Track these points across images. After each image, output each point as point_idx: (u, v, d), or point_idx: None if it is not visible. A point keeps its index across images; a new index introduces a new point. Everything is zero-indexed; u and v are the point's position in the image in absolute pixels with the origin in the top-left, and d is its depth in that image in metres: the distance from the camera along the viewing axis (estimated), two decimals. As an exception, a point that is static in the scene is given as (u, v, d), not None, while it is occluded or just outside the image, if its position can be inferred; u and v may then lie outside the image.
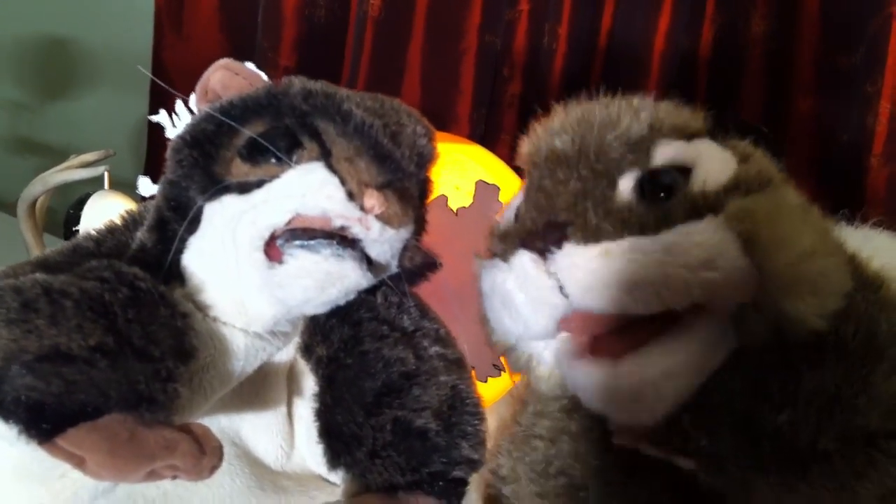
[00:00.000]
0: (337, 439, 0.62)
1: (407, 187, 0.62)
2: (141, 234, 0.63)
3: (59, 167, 1.26)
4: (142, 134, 1.86)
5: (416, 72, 1.75)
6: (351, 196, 0.56)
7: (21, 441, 0.48)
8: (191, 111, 1.05)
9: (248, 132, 0.59)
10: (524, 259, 0.49)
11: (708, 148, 0.52)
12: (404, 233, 0.61)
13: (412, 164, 0.61)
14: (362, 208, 0.56)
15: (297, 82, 0.62)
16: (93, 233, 0.64)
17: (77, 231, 1.19)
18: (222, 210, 0.59)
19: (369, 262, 0.59)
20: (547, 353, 0.52)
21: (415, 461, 0.61)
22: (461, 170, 1.14)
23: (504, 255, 0.51)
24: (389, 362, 0.63)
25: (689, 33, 1.73)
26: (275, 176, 0.58)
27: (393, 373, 0.63)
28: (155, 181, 1.12)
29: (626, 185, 0.50)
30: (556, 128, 0.54)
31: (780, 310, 0.43)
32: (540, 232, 0.49)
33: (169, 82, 1.75)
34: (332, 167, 0.57)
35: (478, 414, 0.64)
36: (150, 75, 0.79)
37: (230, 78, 0.65)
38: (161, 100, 1.77)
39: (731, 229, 0.44)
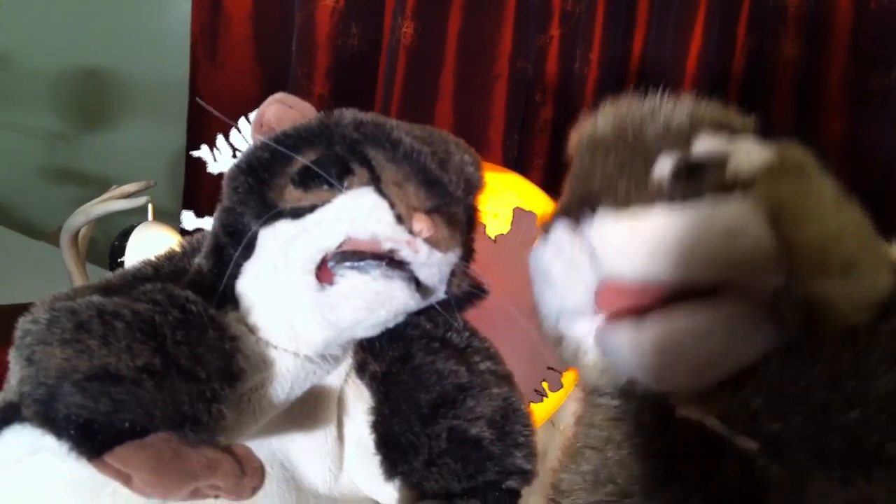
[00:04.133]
0: (394, 449, 0.64)
1: (454, 212, 0.63)
2: (198, 260, 0.64)
3: (100, 198, 1.28)
4: (179, 163, 1.89)
5: (448, 98, 1.76)
6: (400, 220, 0.58)
7: (71, 457, 0.49)
8: (230, 145, 1.07)
9: (301, 159, 0.61)
10: (559, 229, 0.50)
11: (749, 142, 0.52)
12: (452, 257, 0.62)
13: (459, 190, 0.62)
14: (411, 231, 0.58)
15: (349, 113, 0.64)
16: (152, 259, 0.66)
17: (122, 262, 1.21)
18: (276, 235, 0.60)
19: (418, 285, 0.60)
20: (591, 340, 0.53)
21: (470, 468, 0.62)
22: (498, 197, 1.16)
23: (545, 232, 0.52)
24: (443, 374, 0.65)
25: (721, 57, 1.74)
26: (326, 201, 0.59)
27: (447, 384, 0.64)
28: (193, 210, 1.14)
29: (662, 165, 0.51)
30: (598, 117, 0.55)
31: (809, 290, 0.43)
32: (575, 203, 0.50)
33: (204, 110, 1.78)
34: (381, 192, 0.58)
35: (529, 425, 0.66)
36: (210, 108, 0.80)
37: (284, 111, 0.67)
38: (199, 129, 1.81)
39: (757, 205, 0.45)
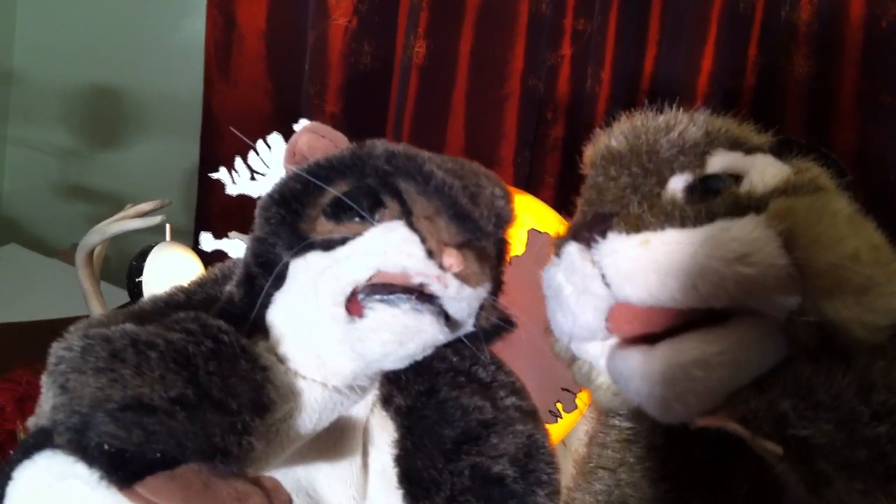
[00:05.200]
0: (417, 484, 0.64)
1: (485, 247, 0.63)
2: (230, 288, 0.65)
3: (115, 217, 1.28)
4: (192, 181, 1.89)
5: (460, 116, 1.76)
6: (430, 254, 0.58)
7: (102, 486, 0.49)
8: (248, 167, 1.07)
9: (333, 191, 0.61)
10: (571, 249, 0.50)
11: (764, 160, 0.52)
12: (481, 291, 0.62)
13: (490, 225, 0.63)
14: (441, 266, 0.58)
15: (381, 144, 0.64)
16: (185, 286, 0.66)
17: (140, 282, 1.21)
18: (306, 266, 0.60)
19: (447, 319, 0.60)
20: (603, 362, 0.53)
21: None
22: (513, 219, 1.16)
23: (558, 251, 0.52)
24: (468, 410, 0.64)
25: (732, 74, 1.74)
26: (357, 234, 0.59)
27: (471, 421, 0.64)
28: (206, 229, 1.14)
29: (675, 184, 0.51)
30: (614, 131, 0.56)
31: (823, 314, 0.43)
32: (587, 224, 0.50)
33: (217, 128, 1.79)
34: (412, 225, 0.59)
35: (553, 463, 0.65)
36: (241, 136, 0.80)
37: (316, 140, 0.68)
38: (212, 147, 1.81)
39: (771, 227, 0.45)
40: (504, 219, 0.66)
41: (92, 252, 1.28)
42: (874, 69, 1.70)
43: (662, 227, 0.48)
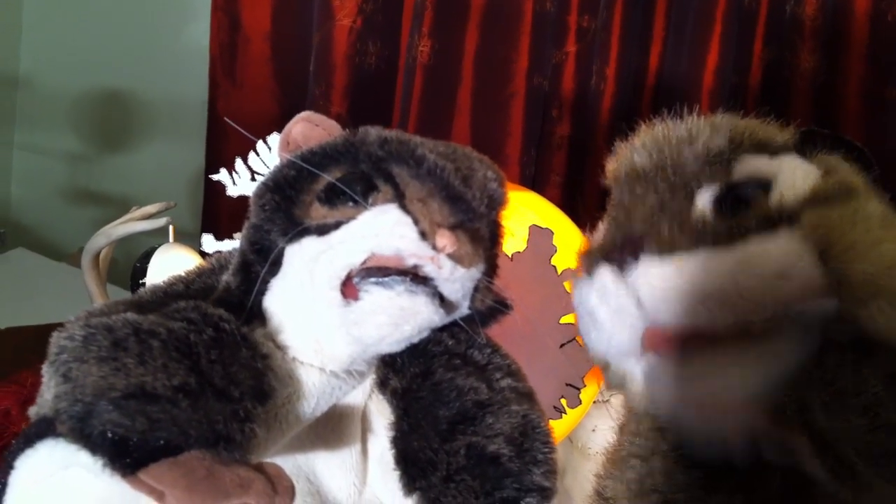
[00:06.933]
0: (413, 465, 0.64)
1: (478, 228, 0.63)
2: (226, 277, 0.65)
3: (121, 219, 1.29)
4: (198, 183, 1.89)
5: (465, 115, 1.76)
6: (423, 236, 0.58)
7: (105, 474, 0.49)
8: (249, 168, 1.08)
9: (327, 177, 0.62)
10: (604, 273, 0.50)
11: (791, 162, 0.52)
12: (475, 272, 0.62)
13: (483, 206, 0.63)
14: (434, 247, 0.58)
15: (374, 131, 0.65)
16: (183, 275, 0.67)
17: (143, 284, 1.21)
18: (302, 252, 0.61)
19: (442, 300, 0.61)
20: (639, 371, 0.53)
21: (488, 485, 0.62)
22: (514, 215, 1.15)
23: (588, 271, 0.52)
24: (463, 391, 0.64)
25: (738, 70, 1.73)
26: (351, 218, 0.60)
27: (466, 401, 0.64)
28: (212, 229, 1.15)
29: (703, 198, 0.50)
30: (636, 145, 0.55)
31: (858, 320, 0.43)
32: (618, 246, 0.50)
33: (223, 130, 1.79)
34: (405, 208, 0.59)
35: (549, 443, 0.65)
36: (238, 128, 0.80)
37: (310, 129, 0.68)
38: (218, 150, 1.81)
39: (805, 240, 0.44)
40: (497, 200, 0.66)
41: (98, 255, 1.28)
42: (880, 63, 1.70)
43: (695, 248, 0.47)
